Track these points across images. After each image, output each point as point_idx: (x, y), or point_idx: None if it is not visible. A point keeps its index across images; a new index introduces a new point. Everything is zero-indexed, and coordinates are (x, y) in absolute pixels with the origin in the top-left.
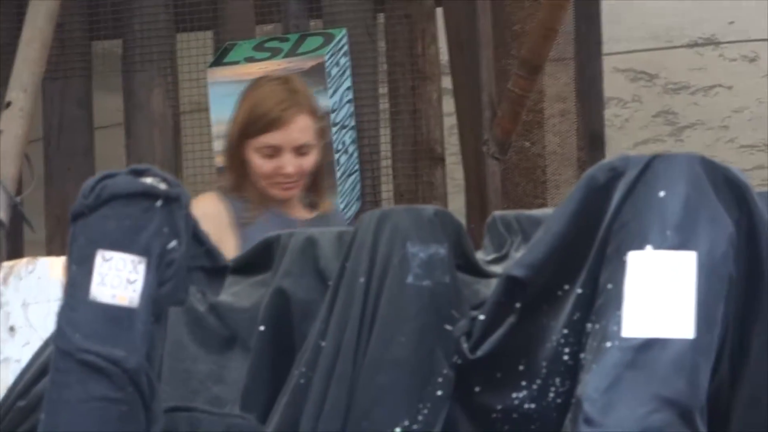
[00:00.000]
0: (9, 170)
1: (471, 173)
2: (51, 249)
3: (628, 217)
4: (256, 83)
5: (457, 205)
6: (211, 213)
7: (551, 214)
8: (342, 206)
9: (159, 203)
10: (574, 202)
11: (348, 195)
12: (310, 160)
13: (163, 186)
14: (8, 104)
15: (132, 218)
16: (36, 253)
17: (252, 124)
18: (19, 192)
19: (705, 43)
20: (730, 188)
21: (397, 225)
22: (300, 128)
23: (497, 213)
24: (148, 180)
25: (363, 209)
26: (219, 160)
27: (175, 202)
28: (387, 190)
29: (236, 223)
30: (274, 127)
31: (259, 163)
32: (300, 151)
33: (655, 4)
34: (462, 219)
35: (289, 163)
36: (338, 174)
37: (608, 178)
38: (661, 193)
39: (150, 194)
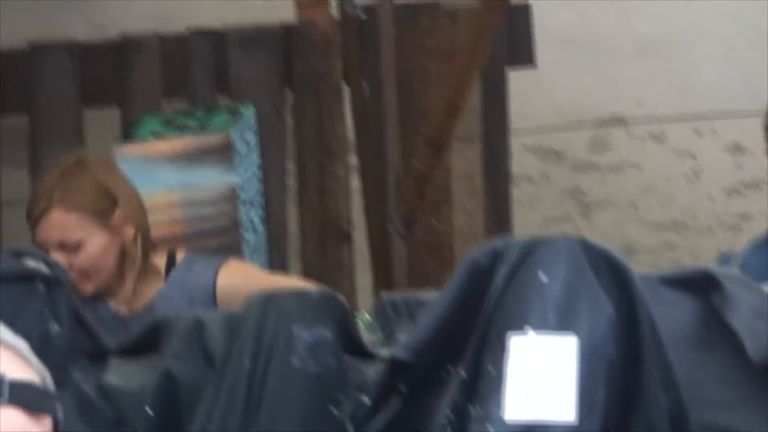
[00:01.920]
0: None
1: (377, 251)
2: None
3: (510, 300)
4: (51, 166)
5: (365, 283)
6: None
7: (435, 296)
8: None
9: (40, 286)
10: (456, 284)
11: None
12: (85, 256)
13: (44, 268)
14: None
15: (12, 301)
16: None
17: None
18: None
19: (613, 122)
20: (610, 271)
21: (282, 308)
22: (52, 225)
23: (385, 295)
24: (30, 262)
25: None
26: None
27: (56, 285)
28: (295, 268)
29: None
30: (32, 225)
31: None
32: (66, 247)
33: (562, 82)
34: (370, 296)
35: (60, 259)
36: (246, 252)
37: (490, 261)
38: (542, 277)
39: (31, 276)
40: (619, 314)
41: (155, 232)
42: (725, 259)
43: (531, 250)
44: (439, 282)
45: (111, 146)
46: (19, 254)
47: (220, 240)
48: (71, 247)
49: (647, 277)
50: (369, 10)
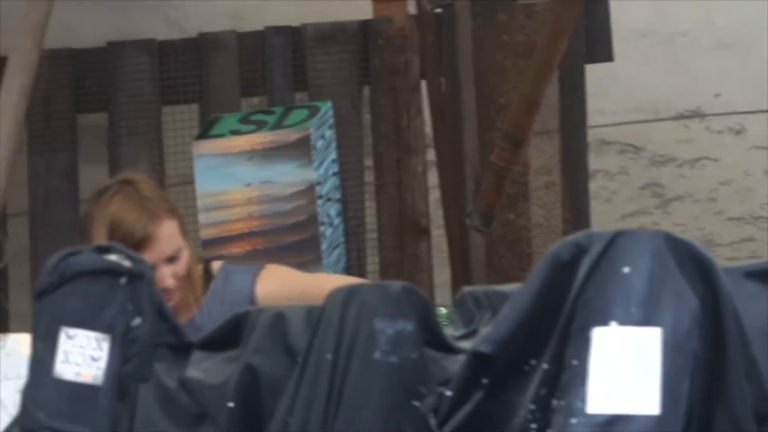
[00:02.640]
0: None
1: (455, 246)
2: None
3: (593, 293)
4: (100, 202)
5: (443, 278)
6: None
7: (517, 290)
8: None
9: (123, 280)
10: (539, 278)
11: (333, 268)
12: (183, 262)
13: (127, 263)
14: None
15: (96, 295)
16: (22, 327)
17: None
18: None
19: (691, 116)
20: (694, 264)
21: (364, 301)
22: (166, 238)
23: (467, 289)
24: (112, 257)
25: None
26: (205, 233)
27: (139, 279)
28: (372, 263)
29: None
30: (141, 247)
31: None
32: (173, 259)
33: (640, 76)
34: (448, 292)
35: (166, 277)
36: (323, 247)
37: (573, 255)
38: (625, 269)
39: (114, 271)
40: (704, 307)
41: (234, 228)
42: None
43: (614, 243)
44: (518, 276)
45: (189, 143)
46: (102, 250)
47: (298, 235)
48: (176, 257)
49: (731, 270)
50: (446, 5)
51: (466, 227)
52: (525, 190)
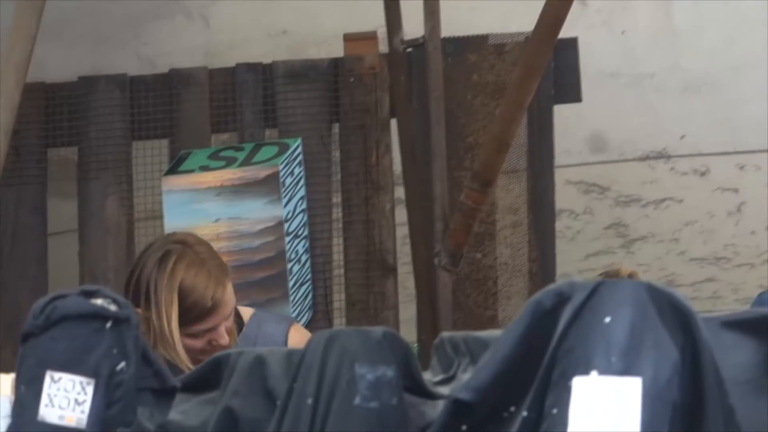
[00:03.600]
0: None
1: (422, 284)
2: (2, 356)
3: (574, 342)
4: (165, 269)
5: (408, 315)
6: None
7: (498, 337)
8: (294, 315)
9: (109, 324)
10: (521, 326)
11: (300, 304)
12: (231, 317)
13: (113, 307)
14: None
15: (81, 339)
16: None
17: (185, 314)
18: None
19: (656, 157)
20: (675, 314)
21: (345, 346)
22: (229, 301)
23: (445, 334)
24: (99, 301)
25: (315, 318)
26: None
27: (124, 324)
28: (339, 299)
29: None
30: (211, 313)
31: (190, 344)
32: (228, 318)
33: (607, 117)
34: (413, 329)
35: (224, 335)
36: (290, 283)
37: (555, 303)
38: (607, 319)
39: (100, 316)
40: (683, 358)
41: None
42: (765, 296)
43: (596, 292)
44: (484, 315)
45: (159, 178)
46: (88, 293)
47: (266, 272)
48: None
49: (709, 320)
50: (417, 45)
51: (434, 266)
52: (492, 230)
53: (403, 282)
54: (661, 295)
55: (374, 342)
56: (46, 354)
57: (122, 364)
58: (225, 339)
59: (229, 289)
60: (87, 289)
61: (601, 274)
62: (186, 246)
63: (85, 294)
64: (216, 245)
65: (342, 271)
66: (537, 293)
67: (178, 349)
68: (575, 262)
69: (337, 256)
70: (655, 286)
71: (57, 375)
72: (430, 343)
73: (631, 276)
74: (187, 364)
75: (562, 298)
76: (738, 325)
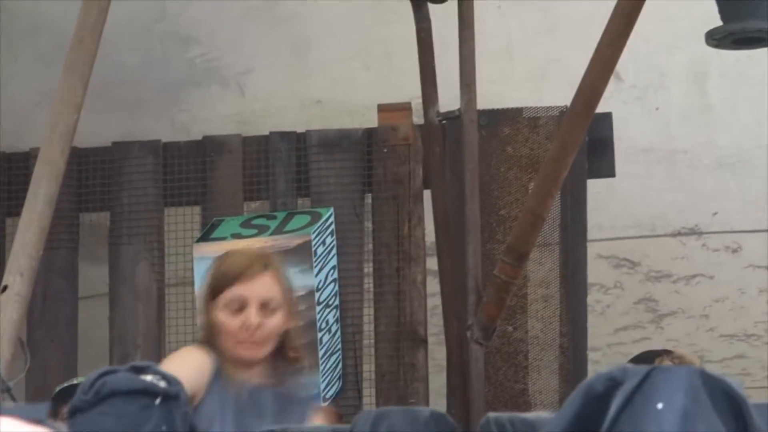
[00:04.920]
0: (4, 354)
1: (454, 356)
2: None
3: (626, 427)
4: (229, 251)
5: (436, 385)
6: (196, 362)
7: (550, 420)
8: (323, 385)
9: (158, 401)
10: (572, 408)
11: (330, 374)
12: (276, 321)
13: (162, 384)
14: (5, 288)
15: (130, 416)
16: None
17: (220, 280)
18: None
19: (688, 233)
20: (727, 401)
21: (393, 426)
22: (266, 284)
23: (491, 414)
24: (148, 377)
25: (344, 389)
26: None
27: (173, 400)
28: (368, 370)
29: (213, 379)
30: (241, 279)
31: (226, 321)
32: (266, 307)
33: (639, 192)
34: (441, 399)
35: (253, 315)
36: (321, 353)
37: (606, 388)
38: (659, 405)
39: (149, 392)
40: None
41: None
42: None
43: (648, 378)
44: (514, 389)
45: (190, 245)
46: (137, 369)
47: None
48: (269, 310)
49: (759, 406)
50: (453, 118)
51: (466, 339)
52: (524, 303)
53: (432, 353)
54: (714, 381)
55: (422, 422)
56: (95, 430)
57: None
58: (254, 320)
59: (271, 280)
60: (137, 365)
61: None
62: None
63: (134, 370)
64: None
65: (372, 341)
66: (589, 377)
67: (211, 317)
68: (605, 336)
69: (368, 326)
70: (708, 373)
71: None
72: (461, 417)
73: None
74: (226, 345)
75: (614, 383)
76: None
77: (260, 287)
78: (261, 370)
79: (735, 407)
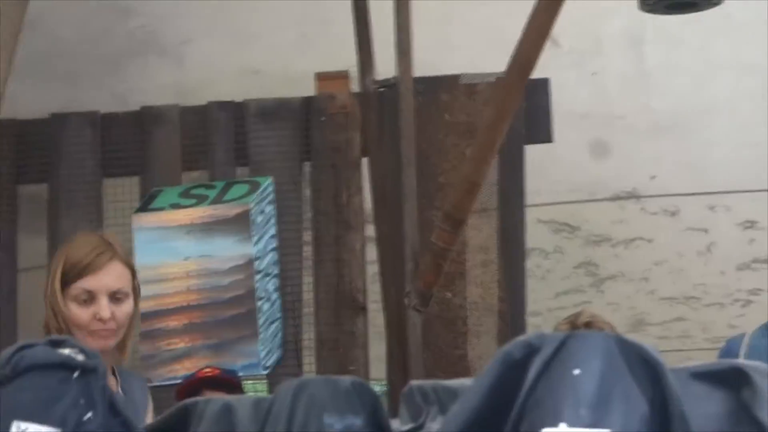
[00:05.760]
0: None
1: (392, 324)
2: None
3: (543, 393)
4: (72, 238)
5: (377, 352)
6: None
7: (468, 386)
8: (263, 354)
9: (76, 374)
10: (489, 377)
11: (270, 342)
12: (125, 309)
13: (80, 357)
14: None
15: (48, 389)
16: None
17: (67, 272)
18: None
19: (627, 197)
20: (644, 366)
21: (314, 395)
22: (115, 274)
23: (414, 383)
24: (66, 351)
25: (284, 357)
26: (143, 306)
27: (92, 374)
28: (309, 338)
29: None
30: (89, 271)
31: (77, 313)
32: (115, 296)
33: (578, 158)
34: (382, 366)
35: (105, 308)
36: (260, 321)
37: (524, 354)
38: (576, 371)
39: (67, 365)
40: (653, 409)
41: (171, 301)
42: (733, 343)
43: (565, 344)
44: (453, 354)
45: (129, 216)
46: (55, 343)
47: (235, 310)
48: (119, 298)
49: (678, 371)
50: (389, 85)
51: (404, 306)
52: (462, 269)
53: (373, 320)
54: (631, 347)
55: (343, 391)
56: (13, 404)
57: (89, 414)
58: (105, 313)
59: (119, 269)
60: (54, 339)
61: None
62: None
63: (52, 343)
64: (185, 283)
65: (312, 309)
66: (506, 344)
67: (63, 309)
68: (545, 301)
69: (307, 294)
70: (625, 338)
71: (23, 425)
72: (400, 384)
73: (589, 324)
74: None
75: (531, 350)
76: (707, 376)
77: (108, 278)
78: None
79: (652, 372)
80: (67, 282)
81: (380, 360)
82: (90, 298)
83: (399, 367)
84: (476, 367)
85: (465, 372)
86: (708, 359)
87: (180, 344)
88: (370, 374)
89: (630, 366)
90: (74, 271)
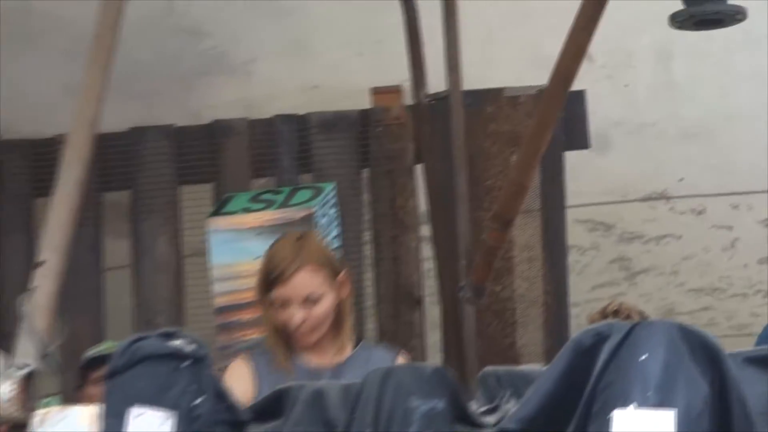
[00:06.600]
0: (42, 323)
1: (449, 315)
2: (65, 381)
3: (613, 377)
4: (276, 240)
5: (432, 341)
6: (232, 378)
7: (542, 372)
8: None
9: (186, 363)
10: (562, 363)
11: None
12: (321, 308)
13: (190, 347)
14: (42, 263)
15: (161, 377)
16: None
17: (263, 280)
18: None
19: (657, 198)
20: (704, 352)
21: (400, 381)
22: (301, 284)
23: (489, 368)
24: (177, 342)
25: None
26: (219, 301)
27: (201, 362)
28: (370, 329)
29: (262, 376)
30: (278, 282)
31: (276, 316)
32: (307, 301)
33: (612, 162)
34: (437, 354)
35: (295, 314)
36: None
37: (594, 342)
38: (643, 357)
39: (176, 356)
40: (713, 391)
41: (245, 296)
42: None
43: (632, 332)
44: (504, 343)
45: (204, 219)
46: (166, 335)
47: None
48: (312, 301)
49: (733, 356)
50: (440, 98)
51: (459, 299)
52: (510, 265)
53: (426, 311)
54: (692, 334)
55: (426, 377)
56: (130, 390)
57: (199, 399)
58: (295, 319)
59: (307, 276)
60: (166, 331)
61: (603, 309)
62: (303, 232)
63: (164, 336)
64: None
65: (373, 303)
66: (577, 333)
67: (265, 312)
68: (583, 293)
69: (368, 289)
70: (686, 326)
71: (140, 410)
72: (457, 369)
73: (616, 312)
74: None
75: (600, 338)
76: (759, 360)
77: (298, 286)
78: (322, 350)
79: (712, 357)
80: (263, 290)
81: (434, 348)
82: (284, 304)
83: (455, 354)
84: (524, 354)
85: (514, 358)
86: (732, 345)
87: (253, 335)
88: (426, 361)
89: (692, 351)
90: (268, 281)
